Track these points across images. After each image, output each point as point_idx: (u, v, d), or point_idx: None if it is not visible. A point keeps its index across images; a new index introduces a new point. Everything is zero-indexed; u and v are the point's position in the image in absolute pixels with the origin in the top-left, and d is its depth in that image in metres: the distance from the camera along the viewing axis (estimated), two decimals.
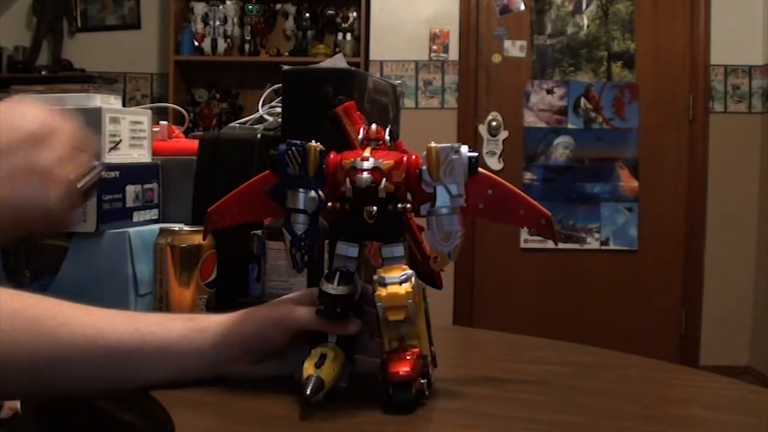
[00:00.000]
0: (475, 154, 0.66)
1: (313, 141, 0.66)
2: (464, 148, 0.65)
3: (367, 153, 0.65)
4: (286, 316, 0.68)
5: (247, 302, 0.74)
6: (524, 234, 3.69)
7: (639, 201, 3.73)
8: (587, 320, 3.68)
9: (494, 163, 3.72)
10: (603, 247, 3.75)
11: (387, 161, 0.64)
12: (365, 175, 0.63)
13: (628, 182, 3.74)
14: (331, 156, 0.66)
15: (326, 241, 0.75)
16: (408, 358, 0.62)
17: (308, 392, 0.59)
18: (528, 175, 3.75)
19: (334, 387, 0.62)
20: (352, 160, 0.64)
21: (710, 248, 3.73)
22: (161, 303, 0.87)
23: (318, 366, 0.62)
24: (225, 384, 0.67)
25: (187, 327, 0.68)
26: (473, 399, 0.66)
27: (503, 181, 0.68)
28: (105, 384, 0.67)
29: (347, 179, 0.64)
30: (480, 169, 0.66)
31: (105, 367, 0.65)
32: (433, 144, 0.65)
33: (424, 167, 0.65)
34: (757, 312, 3.68)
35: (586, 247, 3.75)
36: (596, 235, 3.75)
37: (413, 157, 0.67)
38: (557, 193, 3.73)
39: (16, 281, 0.95)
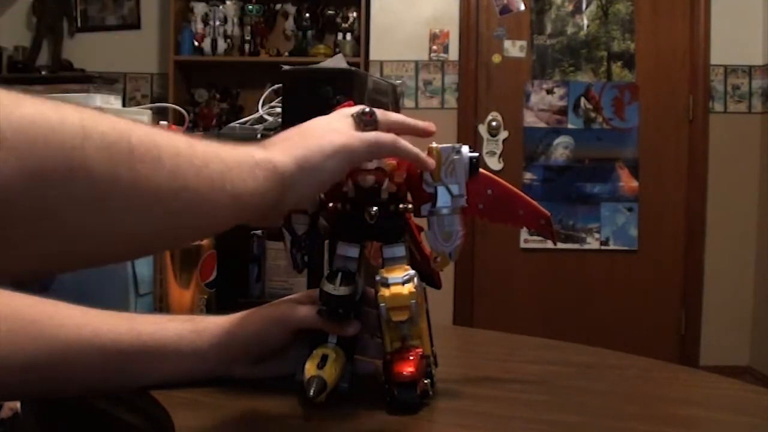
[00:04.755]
0: (476, 154, 0.66)
1: None
2: (465, 149, 0.66)
3: None
4: (287, 315, 0.68)
5: (247, 302, 0.74)
6: (524, 234, 3.69)
7: (639, 201, 3.73)
8: (587, 320, 3.68)
9: (494, 163, 3.72)
10: (603, 247, 3.75)
11: (390, 161, 0.64)
12: (369, 175, 0.63)
13: (628, 182, 3.74)
14: None
15: (326, 242, 0.75)
16: (411, 358, 0.62)
17: (311, 393, 0.59)
18: (528, 175, 3.75)
19: (335, 388, 0.62)
20: None
21: (710, 248, 3.73)
22: (161, 303, 0.87)
23: (320, 367, 0.61)
24: (225, 384, 0.67)
25: (186, 328, 0.68)
26: (473, 399, 0.66)
27: (503, 182, 0.68)
28: (103, 385, 0.67)
29: (350, 179, 0.64)
30: (480, 169, 0.66)
31: (102, 368, 0.65)
32: (434, 144, 0.65)
33: None
34: (757, 312, 3.68)
35: (586, 247, 3.75)
36: (596, 235, 3.75)
37: None
38: (557, 193, 3.73)
39: (17, 281, 0.95)
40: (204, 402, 0.65)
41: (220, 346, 0.67)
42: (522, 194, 0.69)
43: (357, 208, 0.65)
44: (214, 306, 0.88)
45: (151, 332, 0.67)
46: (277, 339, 0.67)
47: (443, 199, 0.65)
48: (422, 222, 0.68)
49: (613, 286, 3.73)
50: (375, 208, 0.64)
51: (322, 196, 0.66)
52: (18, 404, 0.90)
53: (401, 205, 0.65)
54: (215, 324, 0.69)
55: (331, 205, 0.66)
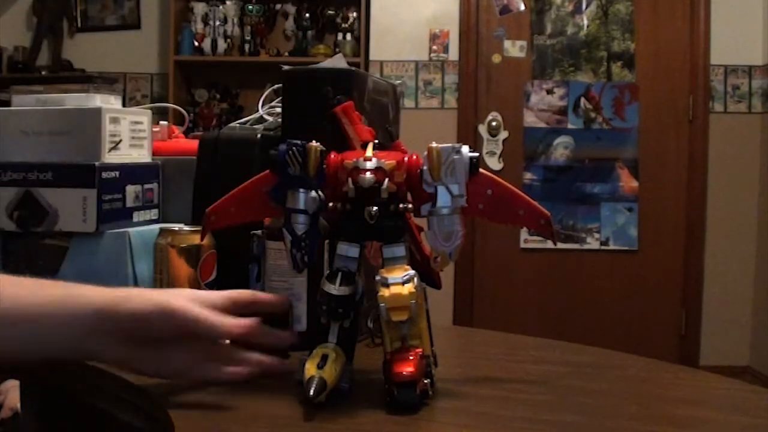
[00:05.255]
0: (476, 154, 0.66)
1: (314, 141, 0.66)
2: (465, 149, 0.66)
3: (369, 153, 0.65)
4: (180, 311, 0.63)
5: None
6: (524, 234, 3.69)
7: (639, 201, 3.73)
8: (587, 320, 3.67)
9: (494, 163, 3.72)
10: (603, 247, 3.75)
11: (389, 161, 0.64)
12: (368, 174, 0.63)
13: (628, 182, 3.74)
14: (332, 156, 0.66)
15: (326, 241, 0.75)
16: (411, 358, 0.62)
17: (311, 393, 0.59)
18: (528, 175, 3.75)
19: (335, 387, 0.62)
20: (354, 160, 0.64)
21: (710, 248, 3.73)
22: None
23: (320, 367, 0.62)
24: (225, 384, 0.67)
25: (69, 293, 0.63)
26: (473, 399, 0.67)
27: (503, 182, 0.68)
28: None
29: (349, 179, 0.64)
30: (480, 170, 0.66)
31: None
32: (434, 144, 0.65)
33: (425, 167, 0.65)
34: (757, 312, 3.68)
35: (586, 247, 3.75)
36: (596, 235, 3.75)
37: (414, 157, 0.67)
38: (557, 193, 3.73)
39: None
40: (204, 402, 0.65)
41: (93, 314, 0.62)
42: (522, 194, 0.69)
43: (357, 208, 0.65)
44: None
45: (25, 295, 0.62)
46: (162, 329, 0.63)
47: (443, 199, 0.65)
48: (422, 222, 0.68)
49: (613, 286, 3.73)
50: (375, 208, 0.64)
51: (323, 195, 0.66)
52: (18, 404, 0.90)
53: (401, 205, 0.66)
54: (100, 293, 0.63)
55: (331, 204, 0.66)
